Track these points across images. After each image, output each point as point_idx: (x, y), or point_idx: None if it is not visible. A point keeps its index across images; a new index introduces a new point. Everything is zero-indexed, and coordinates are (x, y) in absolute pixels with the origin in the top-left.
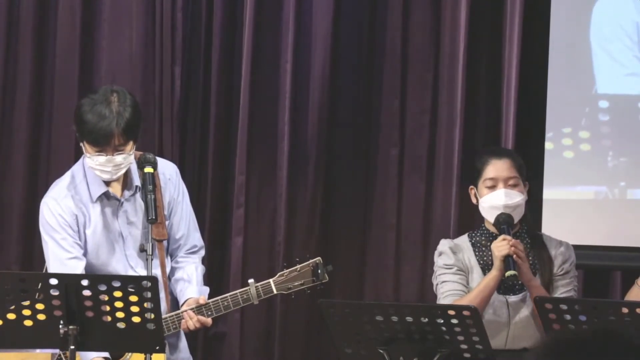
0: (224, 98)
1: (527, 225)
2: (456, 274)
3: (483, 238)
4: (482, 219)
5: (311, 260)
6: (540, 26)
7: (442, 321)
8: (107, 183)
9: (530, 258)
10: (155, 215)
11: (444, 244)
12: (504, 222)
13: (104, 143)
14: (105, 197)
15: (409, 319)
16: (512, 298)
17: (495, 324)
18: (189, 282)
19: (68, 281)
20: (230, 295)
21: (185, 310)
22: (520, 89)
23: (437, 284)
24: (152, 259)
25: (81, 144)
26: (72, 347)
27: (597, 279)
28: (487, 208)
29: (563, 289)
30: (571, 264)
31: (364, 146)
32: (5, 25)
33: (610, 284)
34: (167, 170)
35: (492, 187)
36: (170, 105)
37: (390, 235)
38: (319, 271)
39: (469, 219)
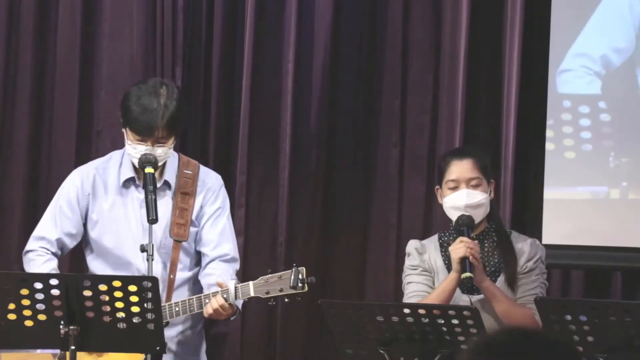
0: (225, 98)
1: (495, 223)
2: (421, 274)
3: (451, 238)
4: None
5: (294, 269)
6: (541, 26)
7: (442, 321)
8: (138, 172)
9: (495, 256)
10: (155, 215)
11: (411, 245)
12: (462, 224)
13: (147, 133)
14: (133, 184)
15: (410, 319)
16: (475, 298)
17: None
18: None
19: (69, 281)
20: (212, 293)
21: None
22: (521, 89)
23: (404, 284)
24: (152, 259)
25: (123, 130)
26: (73, 347)
27: (597, 279)
28: (449, 208)
29: (526, 287)
30: (536, 261)
31: (364, 146)
32: (6, 25)
33: (610, 284)
34: (209, 179)
35: (455, 188)
36: None
37: (390, 235)
38: (300, 278)
39: None
